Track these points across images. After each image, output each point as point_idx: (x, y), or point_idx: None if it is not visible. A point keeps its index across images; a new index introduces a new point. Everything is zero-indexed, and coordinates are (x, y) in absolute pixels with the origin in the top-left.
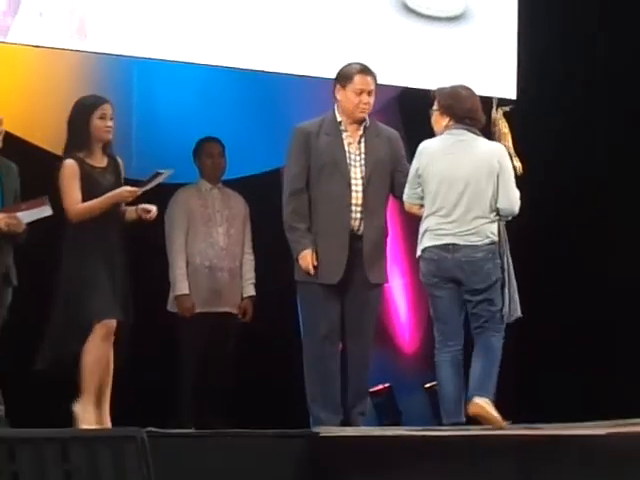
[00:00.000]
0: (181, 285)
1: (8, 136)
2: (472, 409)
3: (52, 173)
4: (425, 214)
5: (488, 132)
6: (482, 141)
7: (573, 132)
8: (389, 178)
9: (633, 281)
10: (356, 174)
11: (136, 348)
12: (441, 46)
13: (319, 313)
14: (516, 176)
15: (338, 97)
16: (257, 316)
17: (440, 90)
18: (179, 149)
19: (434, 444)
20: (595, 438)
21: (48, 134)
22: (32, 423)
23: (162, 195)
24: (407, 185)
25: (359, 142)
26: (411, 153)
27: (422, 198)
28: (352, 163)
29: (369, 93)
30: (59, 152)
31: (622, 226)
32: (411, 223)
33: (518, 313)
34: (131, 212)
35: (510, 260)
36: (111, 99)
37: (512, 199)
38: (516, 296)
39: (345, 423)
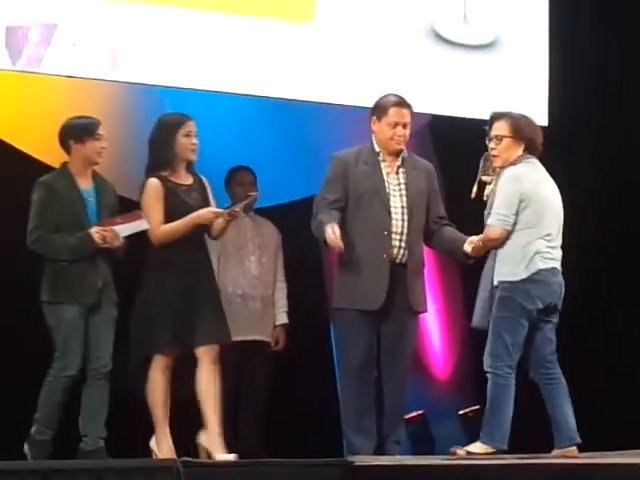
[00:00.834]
0: None
1: (42, 165)
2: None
3: None
4: (528, 238)
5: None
6: None
7: (605, 157)
8: (425, 211)
9: None
10: (396, 203)
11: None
12: (473, 73)
13: (355, 340)
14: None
15: (374, 129)
16: (290, 344)
17: (516, 118)
18: (211, 178)
19: (469, 472)
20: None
21: None
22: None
23: None
24: (501, 210)
25: (397, 172)
26: (444, 179)
27: (515, 224)
28: (391, 192)
29: (404, 126)
30: None
31: None
32: (444, 256)
33: None
34: (218, 223)
35: None
36: (144, 129)
37: None
38: None
39: (379, 449)
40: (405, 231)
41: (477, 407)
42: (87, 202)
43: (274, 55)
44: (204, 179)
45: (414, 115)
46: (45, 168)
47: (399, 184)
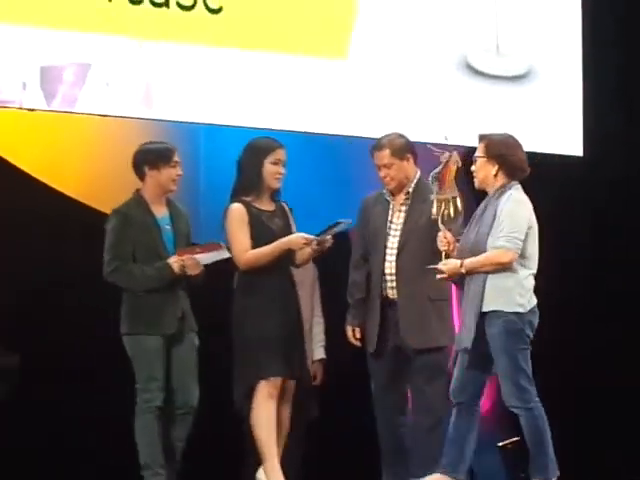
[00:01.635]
0: None
1: (76, 203)
2: None
3: None
4: (529, 270)
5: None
6: None
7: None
8: (430, 242)
9: None
10: (393, 243)
11: (203, 414)
12: (506, 105)
13: (373, 383)
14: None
15: None
16: (328, 380)
17: (491, 139)
18: None
19: None
20: None
21: (114, 201)
22: None
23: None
24: (516, 234)
25: (400, 210)
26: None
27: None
28: (391, 232)
29: (386, 166)
30: None
31: None
32: None
33: None
34: (303, 253)
35: None
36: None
37: None
38: None
39: None
40: (394, 271)
41: (516, 439)
42: (163, 230)
43: (308, 91)
44: (286, 206)
45: (446, 147)
46: (79, 206)
47: (398, 222)
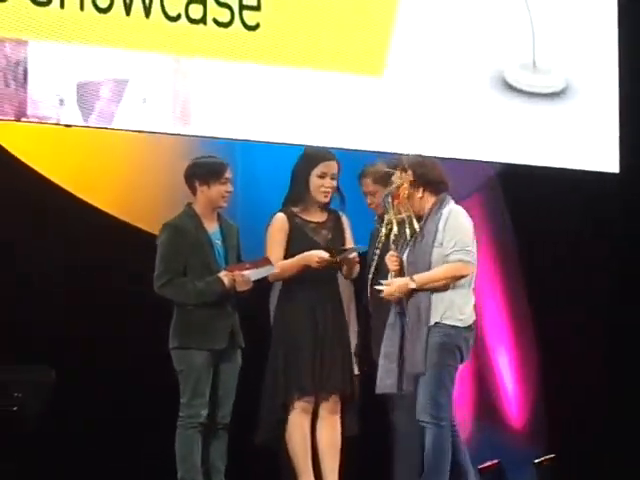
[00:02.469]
0: None
1: (112, 219)
2: None
3: (151, 253)
4: (469, 287)
5: None
6: None
7: None
8: None
9: None
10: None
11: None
12: (542, 122)
13: None
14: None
15: None
16: (363, 394)
17: (401, 164)
18: None
19: None
20: None
21: (151, 217)
22: None
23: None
24: (470, 247)
25: None
26: (515, 228)
27: None
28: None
29: (370, 193)
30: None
31: None
32: (517, 305)
33: None
34: (350, 267)
35: None
36: None
37: None
38: None
39: None
40: None
41: (552, 455)
42: (215, 245)
43: (343, 108)
44: (343, 217)
45: (482, 164)
46: (115, 222)
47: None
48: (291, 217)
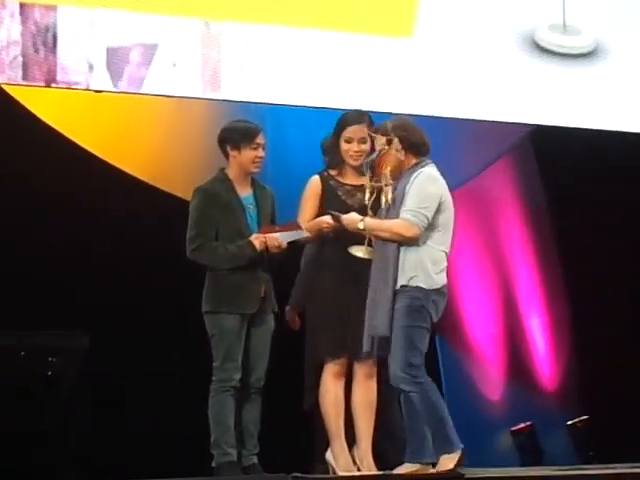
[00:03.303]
0: None
1: (141, 183)
2: None
3: (184, 220)
4: (441, 246)
5: None
6: None
7: None
8: None
9: None
10: None
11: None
12: (572, 83)
13: None
14: None
15: None
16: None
17: (383, 127)
18: None
19: None
20: None
21: (181, 182)
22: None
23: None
24: (422, 210)
25: None
26: (546, 188)
27: (433, 226)
28: None
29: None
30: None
31: None
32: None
33: None
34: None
35: None
36: None
37: None
38: None
39: None
40: None
41: (586, 417)
42: (247, 209)
43: (374, 70)
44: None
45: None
46: (146, 187)
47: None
48: (326, 180)
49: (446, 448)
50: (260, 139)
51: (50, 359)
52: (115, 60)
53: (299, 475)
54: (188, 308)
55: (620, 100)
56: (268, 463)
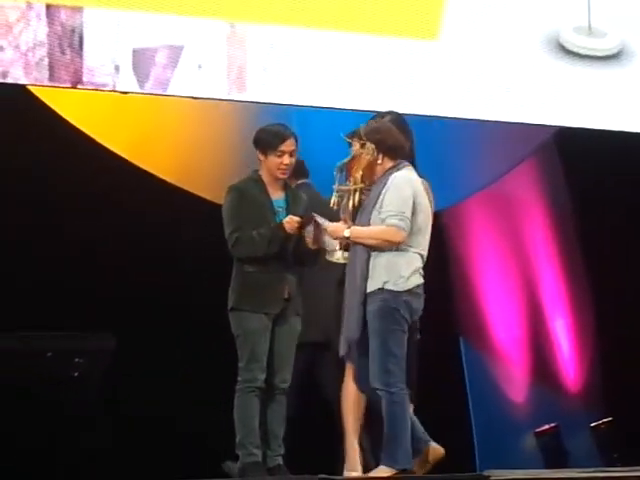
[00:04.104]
0: None
1: (166, 184)
2: None
3: (209, 221)
4: (412, 250)
5: None
6: None
7: None
8: None
9: None
10: None
11: (304, 393)
12: (598, 85)
13: None
14: None
15: None
16: (421, 360)
17: (363, 132)
18: None
19: None
20: None
21: (206, 183)
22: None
23: None
24: (406, 214)
25: None
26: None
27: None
28: None
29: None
30: (216, 200)
31: None
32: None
33: None
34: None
35: None
36: None
37: None
38: None
39: None
40: None
41: (610, 419)
42: (277, 212)
43: (399, 72)
44: None
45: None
46: (172, 189)
47: None
48: None
49: (388, 462)
50: (286, 146)
51: (76, 360)
52: (141, 62)
53: (325, 476)
54: (216, 308)
55: None
56: (294, 464)
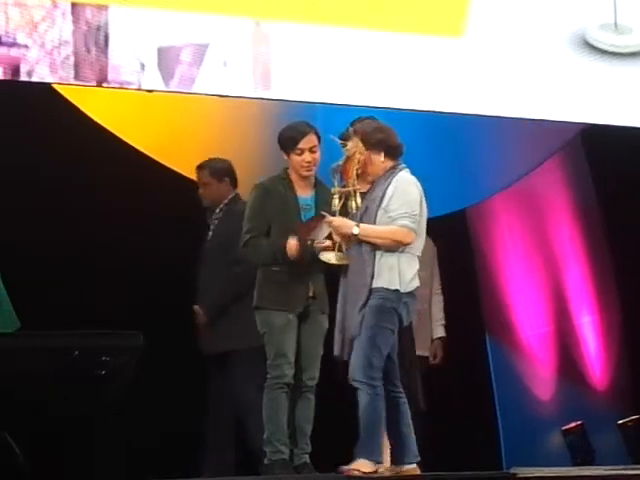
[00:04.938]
0: None
1: (192, 182)
2: None
3: None
4: (416, 250)
5: None
6: None
7: None
8: None
9: None
10: None
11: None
12: (624, 82)
13: None
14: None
15: None
16: (448, 358)
17: (361, 130)
18: None
19: None
20: None
21: None
22: None
23: None
24: (416, 216)
25: None
26: (596, 187)
27: None
28: None
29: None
30: (242, 198)
31: None
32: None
33: None
34: None
35: None
36: None
37: None
38: None
39: None
40: None
41: (637, 416)
42: (303, 209)
43: (424, 69)
44: None
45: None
46: (197, 187)
47: None
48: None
49: (367, 455)
50: (305, 143)
51: (104, 358)
52: (166, 60)
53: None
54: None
55: None
56: (320, 462)
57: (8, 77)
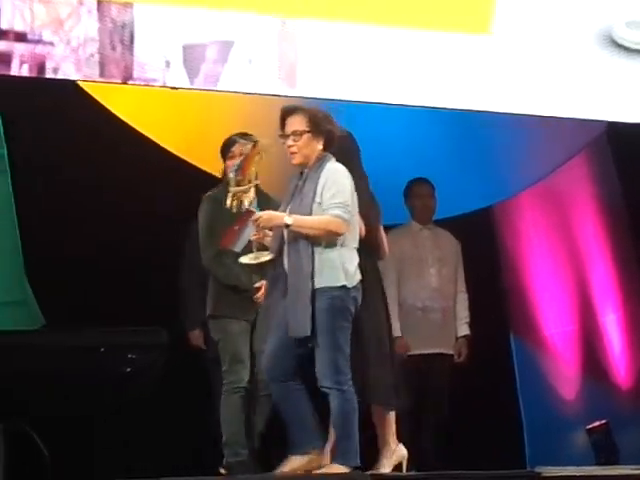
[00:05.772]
0: (394, 326)
1: (217, 180)
2: None
3: None
4: (352, 245)
5: None
6: None
7: None
8: None
9: None
10: None
11: None
12: None
13: None
14: None
15: None
16: (472, 356)
17: (313, 112)
18: (388, 191)
19: None
20: None
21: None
22: None
23: None
24: (349, 207)
25: None
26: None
27: None
28: None
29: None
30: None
31: None
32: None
33: None
34: None
35: None
36: None
37: None
38: None
39: None
40: None
41: None
42: None
43: (452, 67)
44: None
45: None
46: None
47: None
48: None
49: (342, 460)
50: (236, 149)
51: (129, 356)
52: (191, 57)
53: (376, 472)
54: None
55: None
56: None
57: (34, 74)
